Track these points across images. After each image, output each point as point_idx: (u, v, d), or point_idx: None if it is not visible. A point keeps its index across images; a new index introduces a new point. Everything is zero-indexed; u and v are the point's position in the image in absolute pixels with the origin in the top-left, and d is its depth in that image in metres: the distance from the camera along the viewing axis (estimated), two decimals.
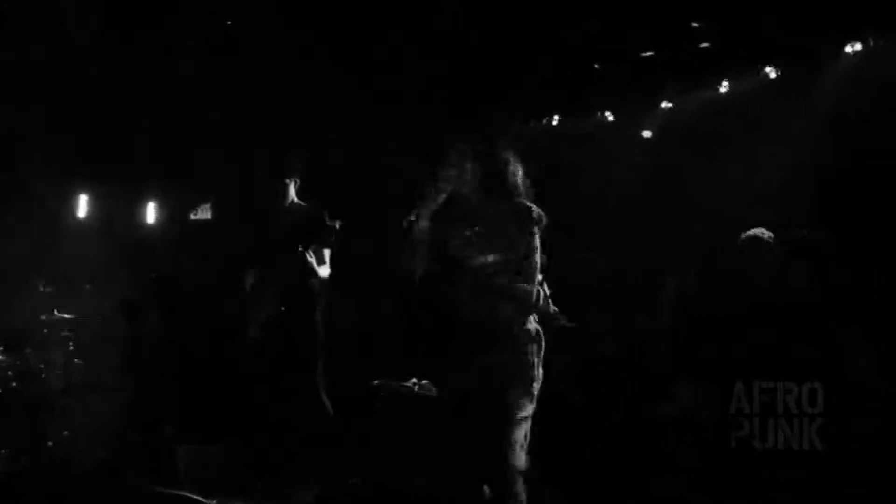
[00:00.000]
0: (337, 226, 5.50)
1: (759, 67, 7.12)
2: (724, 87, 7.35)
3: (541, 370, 3.64)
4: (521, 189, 3.72)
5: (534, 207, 3.68)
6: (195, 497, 5.04)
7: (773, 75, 7.08)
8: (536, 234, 3.66)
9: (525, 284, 3.63)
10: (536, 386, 3.61)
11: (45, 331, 6.59)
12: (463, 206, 3.68)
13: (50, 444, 6.06)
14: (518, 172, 3.73)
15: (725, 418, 3.79)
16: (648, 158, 7.95)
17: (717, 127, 7.29)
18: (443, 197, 3.66)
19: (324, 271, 5.68)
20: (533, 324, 3.70)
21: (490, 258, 3.60)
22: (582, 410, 5.43)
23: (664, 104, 7.82)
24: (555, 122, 8.49)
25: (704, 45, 6.97)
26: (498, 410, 3.51)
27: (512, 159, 3.73)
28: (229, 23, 6.83)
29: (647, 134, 8.05)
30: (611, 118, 8.33)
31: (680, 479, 4.45)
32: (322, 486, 5.43)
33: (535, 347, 3.64)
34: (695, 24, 6.80)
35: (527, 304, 3.65)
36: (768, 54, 7.02)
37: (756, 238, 4.75)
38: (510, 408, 3.52)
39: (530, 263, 3.65)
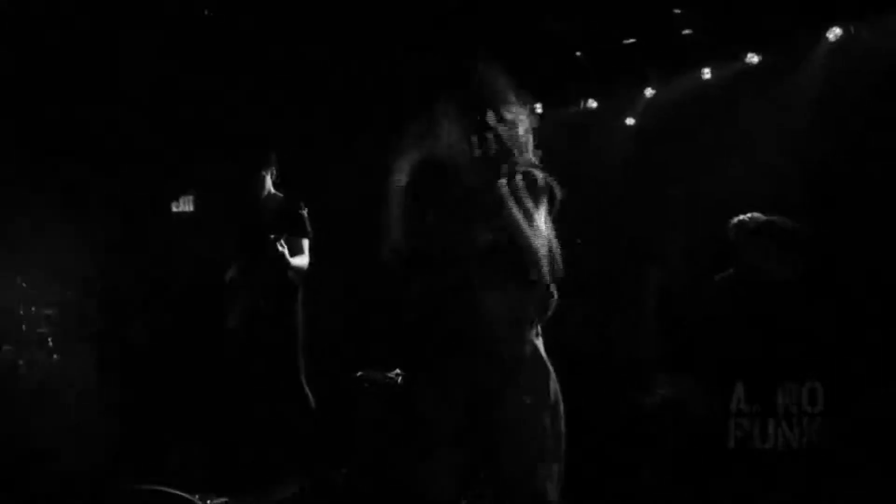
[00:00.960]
0: (305, 213, 5.47)
1: (741, 54, 7.10)
2: (706, 73, 7.34)
3: (561, 416, 2.88)
4: (530, 152, 2.86)
5: (547, 177, 2.84)
6: (177, 493, 5.00)
7: (755, 61, 7.06)
8: (548, 216, 2.82)
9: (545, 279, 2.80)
10: (558, 442, 2.86)
11: (24, 327, 6.53)
12: (448, 172, 2.84)
13: (33, 442, 6.01)
14: (525, 129, 2.87)
15: (722, 416, 3.74)
16: (632, 146, 7.92)
17: (700, 114, 7.27)
18: (421, 158, 2.84)
19: (301, 261, 5.63)
20: (539, 344, 2.91)
21: (483, 243, 2.77)
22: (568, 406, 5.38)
23: (647, 92, 7.80)
24: (537, 111, 8.45)
25: (687, 31, 6.95)
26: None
27: (517, 111, 2.86)
28: (207, 12, 6.75)
29: (629, 121, 8.03)
30: (594, 106, 8.30)
31: (676, 477, 4.41)
32: (306, 480, 5.40)
33: (542, 384, 2.87)
34: (676, 11, 6.78)
35: (536, 312, 2.85)
36: (751, 40, 7.00)
37: (744, 225, 4.66)
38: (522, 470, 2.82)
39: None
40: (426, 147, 2.86)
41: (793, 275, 3.93)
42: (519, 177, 2.79)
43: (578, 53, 7.52)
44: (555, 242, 2.83)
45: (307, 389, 5.75)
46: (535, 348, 2.88)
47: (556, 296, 2.84)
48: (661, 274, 6.07)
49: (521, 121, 2.87)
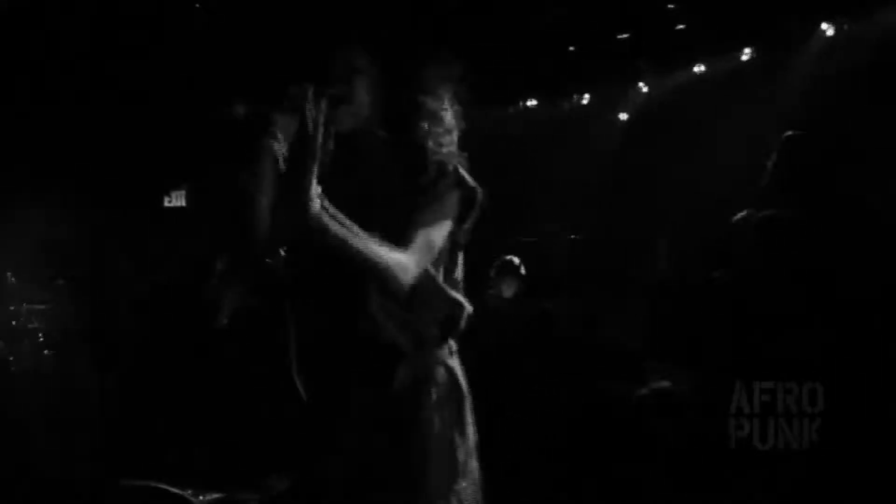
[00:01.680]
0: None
1: (734, 49, 7.12)
2: (699, 68, 7.35)
3: (471, 441, 2.49)
4: (452, 146, 2.42)
5: (468, 177, 2.39)
6: (170, 489, 4.98)
7: (747, 56, 7.07)
8: (467, 221, 2.42)
9: (449, 291, 2.43)
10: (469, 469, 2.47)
11: (15, 322, 6.49)
12: (345, 155, 2.43)
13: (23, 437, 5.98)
14: (447, 125, 2.42)
15: (722, 416, 3.73)
16: (624, 140, 7.93)
17: (694, 109, 7.28)
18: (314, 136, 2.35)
19: None
20: (455, 364, 2.50)
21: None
22: (560, 402, 5.37)
23: (640, 86, 7.81)
24: (530, 105, 8.46)
25: (680, 27, 6.95)
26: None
27: (437, 93, 2.42)
28: (198, 5, 6.70)
29: (622, 116, 8.04)
30: (586, 101, 8.30)
31: (676, 477, 4.41)
32: (297, 475, 5.37)
33: (455, 408, 2.47)
34: (670, 6, 6.78)
35: (442, 328, 2.44)
36: (744, 36, 7.02)
37: (749, 220, 4.57)
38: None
39: (452, 260, 2.46)
40: (320, 108, 2.35)
41: (793, 273, 3.92)
42: (441, 174, 2.38)
43: (571, 48, 7.51)
44: (460, 253, 2.49)
45: (299, 384, 5.73)
46: (449, 369, 2.48)
47: (467, 308, 2.47)
48: (658, 271, 6.07)
49: (451, 112, 2.45)
